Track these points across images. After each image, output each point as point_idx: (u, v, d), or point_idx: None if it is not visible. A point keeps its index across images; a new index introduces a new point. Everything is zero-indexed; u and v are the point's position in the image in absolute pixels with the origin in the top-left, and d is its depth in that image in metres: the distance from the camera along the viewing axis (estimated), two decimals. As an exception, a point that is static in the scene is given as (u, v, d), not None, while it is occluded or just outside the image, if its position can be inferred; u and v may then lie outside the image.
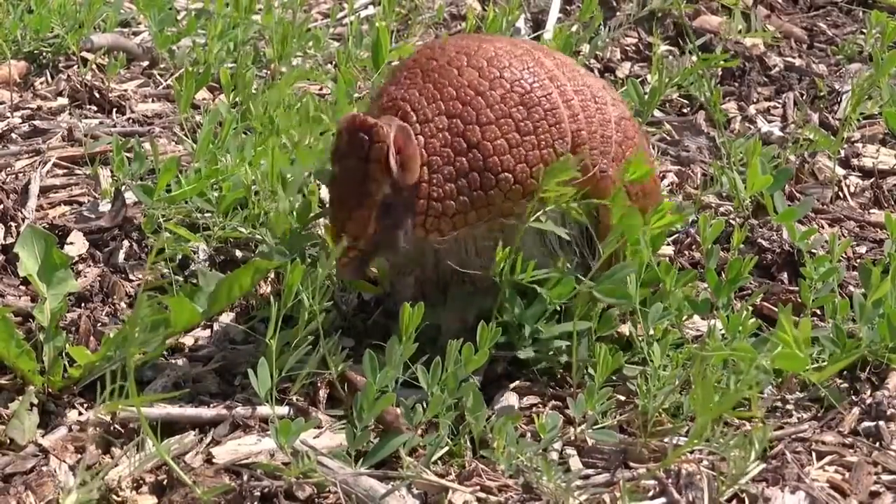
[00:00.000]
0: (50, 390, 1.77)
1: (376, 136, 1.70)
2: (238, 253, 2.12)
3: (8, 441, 1.69)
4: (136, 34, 3.09)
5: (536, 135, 1.78)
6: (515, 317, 1.82)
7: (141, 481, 1.63)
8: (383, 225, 1.74)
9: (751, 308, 2.00)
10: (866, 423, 1.79)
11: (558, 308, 1.84)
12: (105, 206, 2.25)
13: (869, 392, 1.85)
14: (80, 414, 1.76)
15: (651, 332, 1.84)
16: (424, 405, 1.68)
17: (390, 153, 1.70)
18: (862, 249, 2.28)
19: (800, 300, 2.01)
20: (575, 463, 1.71)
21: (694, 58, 2.76)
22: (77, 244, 2.15)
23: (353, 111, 1.77)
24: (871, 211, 2.44)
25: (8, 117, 2.64)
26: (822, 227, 2.35)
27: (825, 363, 1.84)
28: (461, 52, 1.81)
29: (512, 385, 1.84)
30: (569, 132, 1.80)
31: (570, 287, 1.80)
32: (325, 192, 2.17)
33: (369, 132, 1.70)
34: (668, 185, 2.47)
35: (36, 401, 1.74)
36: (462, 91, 1.77)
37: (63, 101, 2.74)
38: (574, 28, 3.02)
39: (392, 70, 1.87)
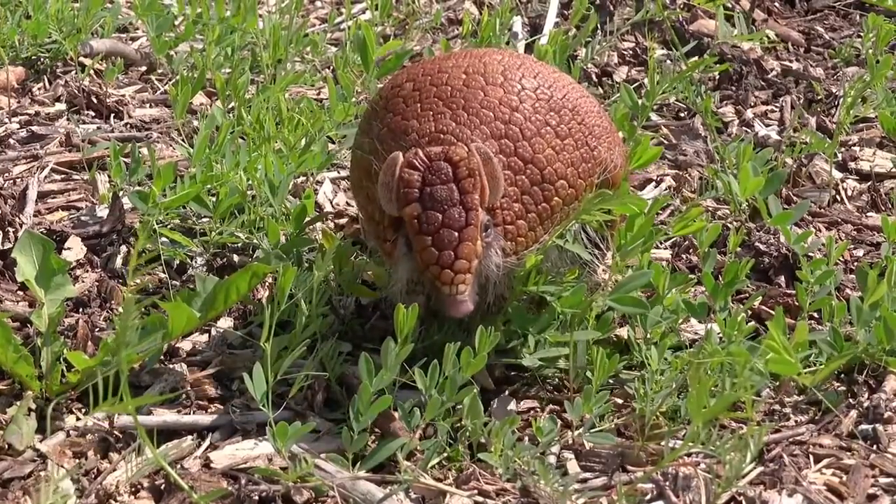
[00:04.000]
0: (48, 395, 1.77)
1: (464, 156, 1.68)
2: (235, 258, 2.12)
3: (6, 446, 1.69)
4: (133, 39, 3.09)
5: (572, 136, 1.79)
6: (520, 326, 1.82)
7: (139, 486, 1.63)
8: (486, 245, 1.71)
9: (748, 311, 2.00)
10: (864, 426, 1.79)
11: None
12: (103, 212, 2.25)
13: (866, 395, 1.85)
14: (78, 419, 1.76)
15: (648, 335, 1.84)
16: (422, 409, 1.69)
17: (482, 173, 1.68)
18: (859, 252, 2.29)
19: (797, 303, 2.01)
20: (572, 466, 1.71)
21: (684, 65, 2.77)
22: (75, 249, 2.15)
23: (400, 154, 1.69)
24: (868, 214, 2.45)
25: (6, 123, 2.65)
26: (820, 231, 2.35)
27: (822, 366, 1.84)
28: (472, 72, 1.79)
29: (509, 389, 1.84)
30: (590, 127, 1.82)
31: (580, 296, 1.80)
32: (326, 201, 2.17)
33: (451, 157, 1.68)
34: (666, 189, 2.47)
35: (34, 406, 1.74)
36: (498, 110, 1.76)
37: (61, 106, 2.74)
38: (571, 32, 3.03)
39: (384, 99, 1.82)
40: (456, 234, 1.67)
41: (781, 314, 1.84)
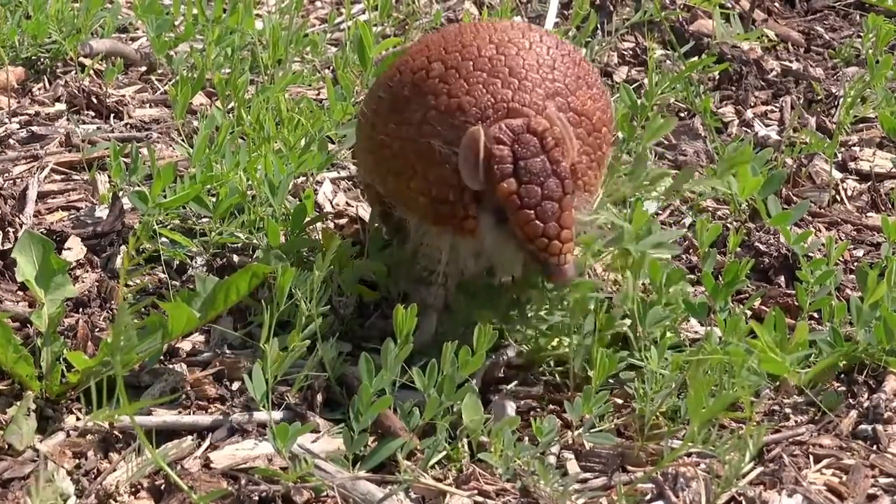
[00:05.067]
0: (48, 395, 1.78)
1: (547, 125, 1.70)
2: (235, 258, 2.12)
3: (6, 446, 1.69)
4: (133, 39, 3.09)
5: (596, 84, 1.83)
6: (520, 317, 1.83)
7: (139, 486, 1.63)
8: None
9: (748, 312, 2.00)
10: (863, 427, 1.79)
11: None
12: (103, 212, 2.25)
13: (866, 395, 1.85)
14: (78, 419, 1.76)
15: (647, 333, 1.84)
16: (421, 408, 1.69)
17: (566, 139, 1.71)
18: (859, 253, 2.29)
19: (797, 303, 2.01)
20: (572, 467, 1.71)
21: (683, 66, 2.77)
22: (75, 249, 2.15)
23: (480, 129, 1.69)
24: (869, 214, 2.45)
25: (6, 123, 2.65)
26: (820, 231, 2.35)
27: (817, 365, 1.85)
28: (500, 41, 1.80)
29: (509, 388, 1.84)
30: (595, 72, 1.87)
31: (590, 286, 1.81)
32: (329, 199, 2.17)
33: (536, 128, 1.70)
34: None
35: (34, 406, 1.74)
36: (540, 71, 1.77)
37: (61, 106, 2.74)
38: (570, 33, 3.03)
39: (411, 85, 1.79)
40: (557, 204, 1.69)
41: (774, 315, 1.85)
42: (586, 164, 1.78)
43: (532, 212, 1.69)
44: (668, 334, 1.85)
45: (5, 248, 2.12)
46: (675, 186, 1.94)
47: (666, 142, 2.66)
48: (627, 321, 1.88)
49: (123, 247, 2.15)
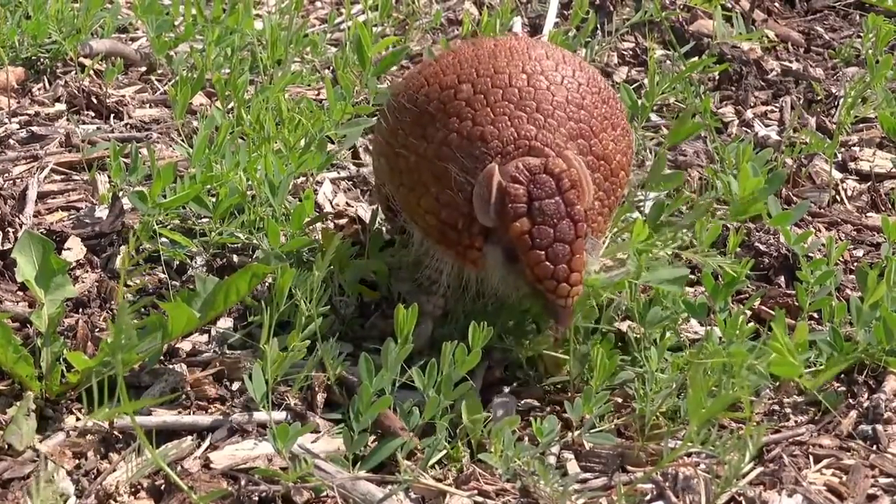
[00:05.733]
0: (48, 396, 1.78)
1: (564, 167, 1.70)
2: (235, 258, 2.12)
3: (6, 446, 1.69)
4: (133, 40, 3.09)
5: (620, 125, 1.83)
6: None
7: (139, 486, 1.63)
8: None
9: (748, 312, 2.00)
10: (863, 427, 1.79)
11: None
12: (102, 212, 2.25)
13: (866, 395, 1.85)
14: (78, 419, 1.76)
15: (647, 334, 1.84)
16: (421, 408, 1.69)
17: (582, 183, 1.71)
18: (859, 253, 2.29)
19: (797, 304, 2.01)
20: (572, 467, 1.71)
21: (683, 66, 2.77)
22: (75, 250, 2.15)
23: (496, 167, 1.70)
24: (868, 214, 2.45)
25: (6, 123, 2.65)
26: (820, 231, 2.35)
27: (822, 367, 1.84)
28: (532, 72, 1.79)
29: (509, 388, 1.84)
30: (622, 111, 1.86)
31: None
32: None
33: (553, 170, 1.70)
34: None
35: (34, 406, 1.74)
36: (569, 110, 1.77)
37: (61, 106, 2.74)
38: (570, 33, 3.03)
39: (437, 101, 1.78)
40: (568, 247, 1.69)
41: (783, 316, 1.84)
42: (598, 209, 1.78)
43: (543, 253, 1.69)
44: (668, 334, 1.85)
45: (5, 248, 2.13)
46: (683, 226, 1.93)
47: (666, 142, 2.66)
48: (627, 322, 1.88)
49: (123, 247, 2.15)
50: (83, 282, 2.07)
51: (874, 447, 1.75)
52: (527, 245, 1.68)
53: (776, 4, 3.50)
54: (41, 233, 2.09)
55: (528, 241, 1.68)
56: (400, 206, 1.86)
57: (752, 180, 2.00)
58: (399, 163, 1.81)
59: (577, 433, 1.73)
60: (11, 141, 2.57)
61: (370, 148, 2.14)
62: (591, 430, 1.72)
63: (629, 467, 1.71)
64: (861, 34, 3.22)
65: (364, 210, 2.28)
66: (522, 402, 1.82)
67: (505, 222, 1.69)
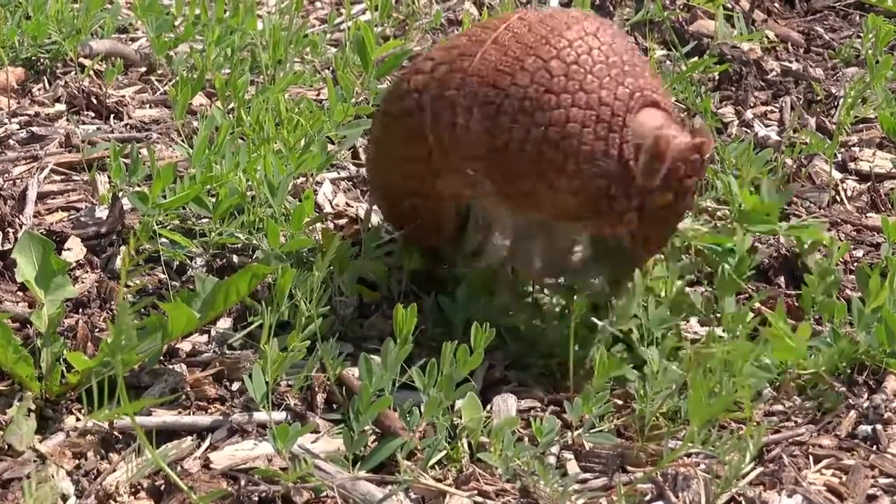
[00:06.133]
0: (48, 396, 1.78)
1: (710, 146, 1.77)
2: (235, 258, 2.12)
3: (5, 447, 1.69)
4: (133, 40, 3.09)
5: None
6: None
7: (139, 486, 1.63)
8: None
9: (750, 312, 2.00)
10: (863, 427, 1.79)
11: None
12: (102, 212, 2.25)
13: (866, 396, 1.85)
14: (78, 420, 1.76)
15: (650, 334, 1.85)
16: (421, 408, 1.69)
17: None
18: (859, 253, 2.29)
19: (797, 304, 2.01)
20: (572, 467, 1.71)
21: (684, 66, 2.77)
22: (75, 250, 2.15)
23: (666, 135, 1.73)
24: (868, 214, 2.45)
25: (5, 123, 2.65)
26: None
27: (822, 367, 1.84)
28: (589, 31, 1.81)
29: (509, 388, 1.84)
30: None
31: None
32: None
33: (703, 149, 1.75)
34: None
35: (34, 406, 1.74)
36: (635, 56, 1.83)
37: (61, 107, 2.74)
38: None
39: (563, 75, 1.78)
40: (679, 220, 1.82)
41: (782, 304, 1.85)
42: None
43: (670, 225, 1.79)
44: (669, 335, 1.85)
45: (5, 248, 2.13)
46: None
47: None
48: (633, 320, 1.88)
49: (123, 247, 2.15)
50: (83, 282, 2.07)
51: (874, 447, 1.75)
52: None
53: (776, 5, 3.50)
54: (41, 233, 2.09)
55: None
56: (512, 201, 1.84)
57: (768, 204, 2.01)
58: (511, 157, 1.79)
59: (576, 433, 1.73)
60: (11, 141, 2.57)
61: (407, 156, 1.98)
62: (591, 431, 1.72)
63: (629, 467, 1.70)
64: (861, 34, 3.22)
65: (364, 210, 2.28)
66: (522, 402, 1.82)
67: (662, 191, 1.74)
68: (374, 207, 2.15)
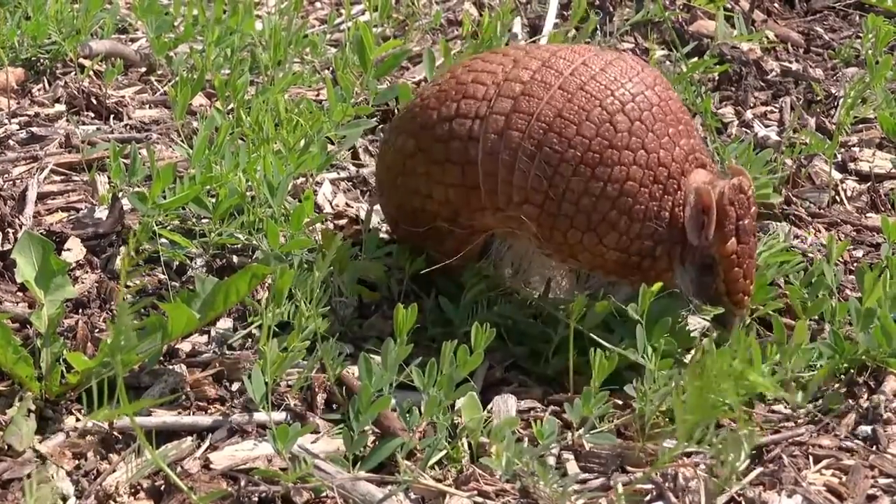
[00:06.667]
0: (47, 396, 1.77)
1: (751, 185, 1.81)
2: (235, 259, 2.12)
3: (6, 447, 1.69)
4: (133, 40, 3.09)
5: None
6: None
7: (138, 486, 1.63)
8: None
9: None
10: (863, 427, 1.79)
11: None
12: (102, 213, 2.25)
13: (866, 396, 1.85)
14: (78, 420, 1.76)
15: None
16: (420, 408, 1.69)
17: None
18: (859, 253, 2.29)
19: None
20: (572, 467, 1.71)
21: (684, 66, 2.77)
22: (74, 250, 2.15)
23: (707, 188, 1.77)
24: (868, 215, 2.45)
25: (5, 124, 2.65)
26: (819, 231, 2.35)
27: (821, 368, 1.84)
28: (650, 83, 1.83)
29: (509, 388, 1.84)
30: None
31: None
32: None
33: (744, 188, 1.78)
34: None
35: (33, 407, 1.74)
36: (686, 114, 1.88)
37: (60, 107, 2.74)
38: (570, 33, 3.03)
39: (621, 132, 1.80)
40: (753, 262, 1.82)
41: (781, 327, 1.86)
42: None
43: (741, 270, 1.79)
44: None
45: (5, 248, 2.12)
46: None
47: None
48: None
49: (123, 247, 2.15)
50: (83, 282, 2.07)
51: (874, 447, 1.75)
52: (732, 263, 1.78)
53: (776, 5, 3.50)
54: (41, 233, 2.09)
55: (735, 259, 1.77)
56: (559, 251, 1.85)
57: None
58: (565, 208, 1.81)
59: (577, 434, 1.73)
60: (11, 142, 2.57)
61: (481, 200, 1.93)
62: (592, 431, 1.72)
63: (629, 467, 1.70)
64: (861, 34, 3.22)
65: (364, 211, 2.28)
66: (522, 402, 1.82)
67: (720, 241, 1.77)
68: (375, 208, 2.15)
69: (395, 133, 1.99)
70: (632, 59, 1.88)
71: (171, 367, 1.86)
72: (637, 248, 1.80)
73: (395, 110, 2.63)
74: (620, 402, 1.81)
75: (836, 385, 1.87)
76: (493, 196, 1.84)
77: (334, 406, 1.79)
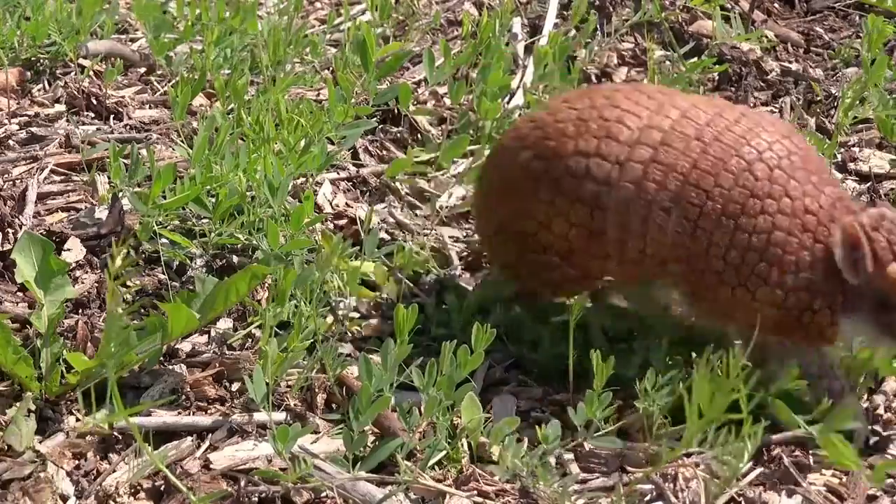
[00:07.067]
0: (47, 396, 1.78)
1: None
2: (235, 259, 2.12)
3: (5, 447, 1.69)
4: (133, 41, 3.09)
5: None
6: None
7: (138, 487, 1.63)
8: None
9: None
10: (863, 427, 1.79)
11: None
12: (102, 213, 2.25)
13: (866, 396, 1.85)
14: (78, 420, 1.76)
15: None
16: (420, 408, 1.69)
17: None
18: (858, 253, 2.28)
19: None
20: (572, 467, 1.71)
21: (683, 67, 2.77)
22: (74, 250, 2.15)
23: (851, 225, 1.69)
24: (868, 215, 2.44)
25: (5, 124, 2.64)
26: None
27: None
28: (783, 132, 1.79)
29: (509, 389, 1.84)
30: None
31: None
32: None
33: (886, 212, 1.73)
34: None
35: (33, 407, 1.74)
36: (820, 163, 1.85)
37: (60, 107, 2.74)
38: (570, 34, 3.03)
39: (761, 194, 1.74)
40: None
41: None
42: None
43: None
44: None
45: (5, 248, 2.12)
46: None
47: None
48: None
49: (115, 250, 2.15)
50: (83, 282, 2.07)
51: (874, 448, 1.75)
52: None
53: (776, 5, 3.50)
54: (41, 233, 2.09)
55: None
56: (707, 310, 1.80)
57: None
58: (712, 264, 1.74)
59: (581, 438, 1.72)
60: (11, 142, 2.57)
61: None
62: (596, 434, 1.71)
63: (629, 468, 1.70)
64: (861, 35, 3.22)
65: (363, 211, 2.28)
66: (522, 402, 1.82)
67: (881, 269, 1.68)
68: (376, 208, 2.15)
69: (519, 144, 1.89)
70: (768, 115, 1.86)
71: (170, 367, 1.86)
72: (794, 302, 1.72)
73: (396, 110, 2.63)
74: (621, 402, 1.80)
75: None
76: (621, 246, 1.79)
77: (334, 406, 1.80)
